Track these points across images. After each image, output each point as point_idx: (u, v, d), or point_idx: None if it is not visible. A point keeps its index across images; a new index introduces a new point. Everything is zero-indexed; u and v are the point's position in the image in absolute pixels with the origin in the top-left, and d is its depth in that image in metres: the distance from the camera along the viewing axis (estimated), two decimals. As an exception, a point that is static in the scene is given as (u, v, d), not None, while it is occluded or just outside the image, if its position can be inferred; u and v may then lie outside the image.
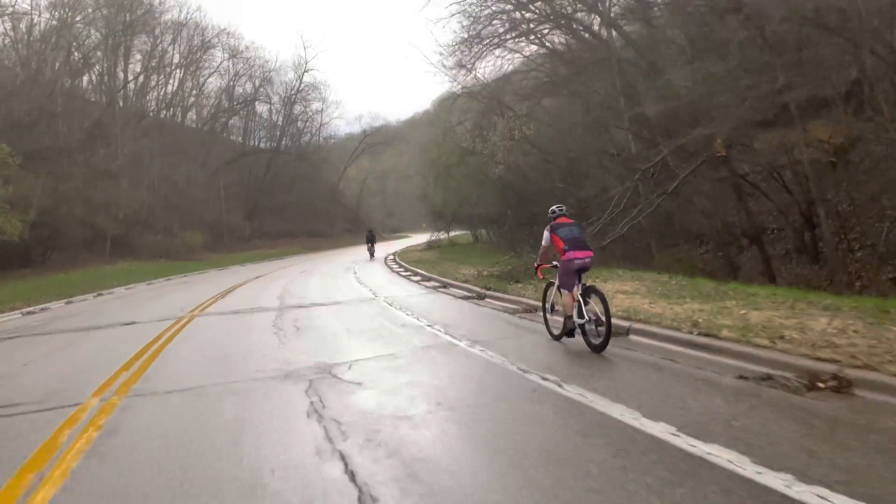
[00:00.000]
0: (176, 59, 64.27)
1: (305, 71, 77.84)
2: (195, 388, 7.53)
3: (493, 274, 18.17)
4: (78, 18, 52.04)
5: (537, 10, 32.97)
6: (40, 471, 5.09)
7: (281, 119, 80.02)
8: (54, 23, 50.07)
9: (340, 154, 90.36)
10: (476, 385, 6.97)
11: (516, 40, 33.91)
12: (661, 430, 5.01)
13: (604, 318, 7.87)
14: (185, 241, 50.39)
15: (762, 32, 16.61)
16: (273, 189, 73.33)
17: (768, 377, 6.24)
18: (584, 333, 8.32)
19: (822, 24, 16.74)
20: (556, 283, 8.99)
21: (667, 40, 27.01)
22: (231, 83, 72.43)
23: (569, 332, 8.58)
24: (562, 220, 8.89)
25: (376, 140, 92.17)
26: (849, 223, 19.85)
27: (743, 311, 8.93)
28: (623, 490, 4.01)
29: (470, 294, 15.92)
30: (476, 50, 33.37)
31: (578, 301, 8.32)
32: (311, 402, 6.53)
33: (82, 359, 10.57)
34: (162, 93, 64.85)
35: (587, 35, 32.90)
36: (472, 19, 32.34)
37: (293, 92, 78.58)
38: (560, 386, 6.52)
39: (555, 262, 9.06)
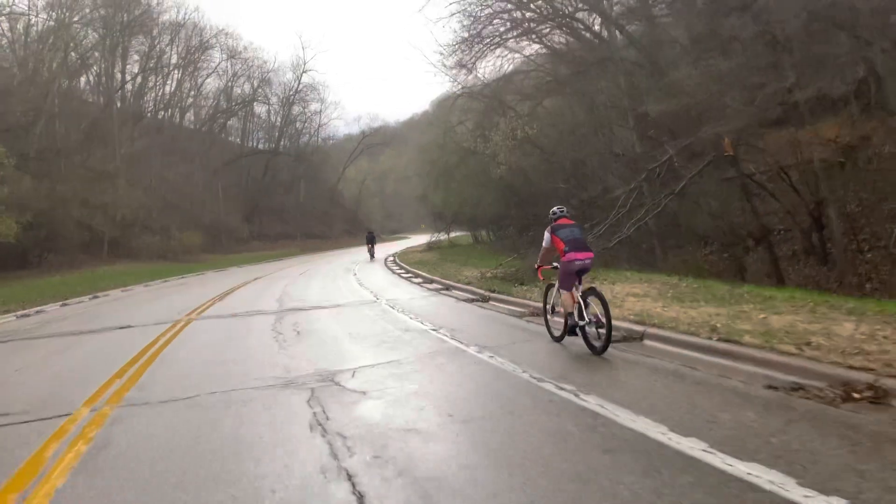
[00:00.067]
0: (174, 60, 64.19)
1: (304, 72, 77.81)
2: (190, 398, 7.15)
3: (497, 276, 17.82)
4: (75, 19, 51.85)
5: (538, 10, 32.69)
6: (23, 491, 4.72)
7: (279, 120, 79.87)
8: (51, 23, 49.90)
9: (339, 155, 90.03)
10: (488, 394, 6.60)
11: (517, 40, 33.62)
12: (692, 446, 4.65)
13: (604, 320, 7.80)
14: (182, 242, 50.09)
15: (771, 29, 16.23)
16: (271, 190, 73.09)
17: (799, 387, 5.88)
18: (584, 335, 8.25)
19: (832, 20, 16.41)
20: (557, 284, 8.95)
21: (671, 40, 26.69)
22: (229, 84, 72.29)
23: (570, 329, 8.52)
24: (562, 221, 8.86)
25: (375, 141, 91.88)
26: (858, 224, 19.54)
27: (762, 316, 8.58)
28: (660, 516, 3.65)
29: (474, 296, 15.55)
30: (477, 49, 33.06)
31: (579, 302, 8.29)
32: (314, 413, 6.16)
33: (74, 365, 10.18)
34: (160, 94, 64.76)
35: (588, 35, 32.61)
36: (472, 19, 32.03)
37: (291, 93, 78.54)
38: (578, 396, 6.15)
39: (555, 264, 9.00)
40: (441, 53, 34.93)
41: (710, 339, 7.69)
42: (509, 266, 18.67)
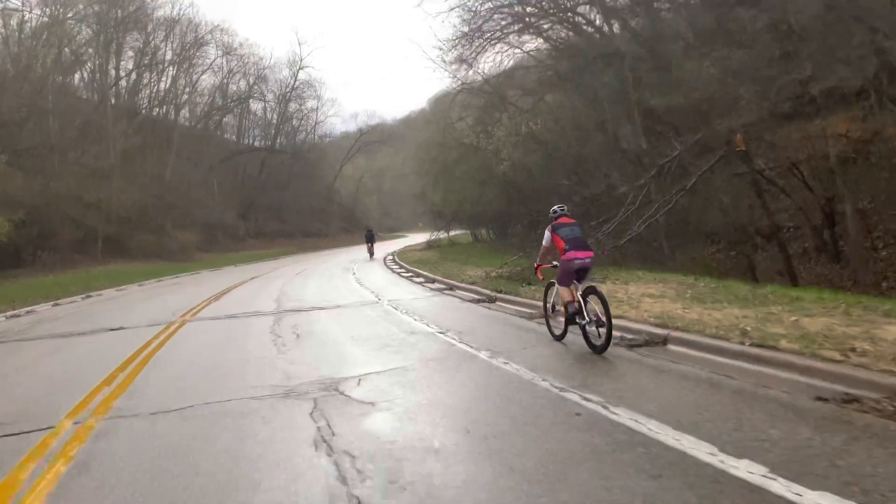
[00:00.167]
0: (168, 56, 63.27)
1: (300, 68, 76.95)
2: (183, 409, 6.59)
3: (503, 275, 17.27)
4: (69, 15, 51.17)
5: (538, 5, 32.23)
6: (-9, 521, 4.17)
7: (276, 117, 79.20)
8: (45, 19, 49.24)
9: (336, 153, 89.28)
10: (508, 406, 6.01)
11: (518, 34, 33.20)
12: (749, 470, 4.10)
13: (604, 319, 7.75)
14: (178, 240, 49.47)
15: (787, 18, 15.70)
16: (268, 188, 72.46)
17: (852, 399, 5.34)
18: (584, 334, 8.22)
19: (849, 10, 15.88)
20: (556, 282, 8.97)
21: (674, 35, 26.20)
22: (225, 80, 71.49)
23: (570, 318, 8.49)
24: (563, 220, 8.85)
25: (372, 139, 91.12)
26: (871, 221, 19.04)
27: (793, 318, 8.05)
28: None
29: (479, 297, 14.98)
30: (477, 44, 32.63)
31: (579, 301, 8.24)
32: (318, 428, 5.61)
33: (61, 370, 9.62)
34: (154, 90, 63.80)
35: (590, 29, 32.16)
36: (472, 13, 31.63)
37: (288, 89, 77.81)
38: (606, 408, 5.60)
39: (555, 263, 8.99)
40: (440, 49, 34.55)
41: (741, 343, 7.15)
42: (514, 265, 18.11)
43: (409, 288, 18.93)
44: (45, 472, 5.04)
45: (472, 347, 8.85)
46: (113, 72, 57.58)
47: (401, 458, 4.75)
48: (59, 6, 49.58)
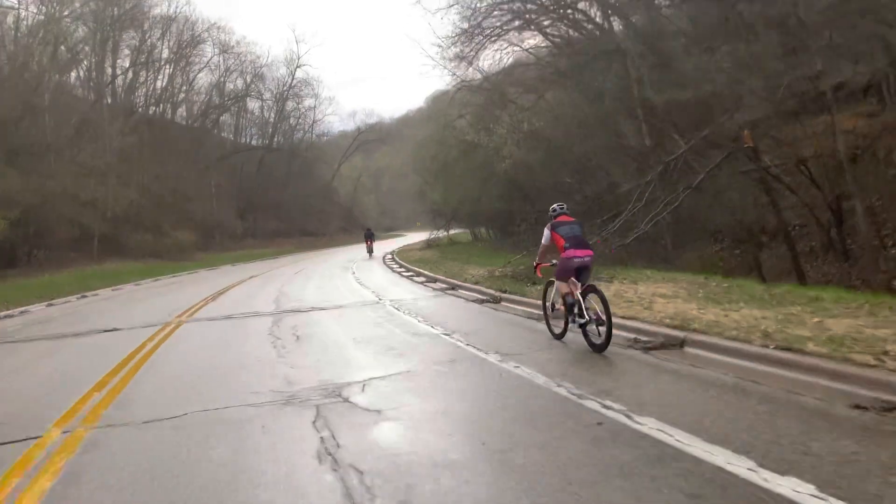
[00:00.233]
0: (165, 55, 62.82)
1: (298, 66, 76.52)
2: (177, 417, 6.22)
3: (506, 274, 16.93)
4: (65, 13, 50.78)
5: (538, 1, 31.92)
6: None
7: (273, 116, 78.66)
8: (41, 17, 48.89)
9: (334, 152, 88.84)
10: (524, 415, 5.65)
11: (519, 31, 32.93)
12: (795, 488, 3.74)
13: (604, 317, 7.72)
14: (175, 240, 49.02)
15: (798, 12, 15.35)
16: (266, 187, 72.08)
17: (893, 407, 4.99)
18: (585, 333, 8.18)
19: (857, 3, 15.54)
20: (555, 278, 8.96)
21: (675, 31, 25.92)
22: (222, 79, 70.94)
23: (569, 308, 8.49)
24: (562, 218, 8.84)
25: (370, 137, 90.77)
26: (879, 218, 18.71)
27: (816, 319, 7.70)
28: None
29: (483, 297, 14.62)
30: (477, 41, 32.41)
31: (578, 300, 8.18)
32: (322, 439, 5.25)
33: (52, 374, 9.24)
34: (151, 88, 63.29)
35: (591, 26, 31.89)
36: (471, 10, 31.38)
37: (285, 88, 77.32)
38: (630, 417, 5.24)
39: (554, 261, 8.93)
40: (440, 46, 34.22)
41: (765, 347, 6.80)
42: (518, 264, 17.76)
43: (410, 288, 18.59)
44: (29, 486, 4.70)
45: (480, 350, 8.50)
46: (109, 70, 57.17)
47: (412, 473, 4.40)
48: (55, 4, 49.25)
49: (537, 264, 9.49)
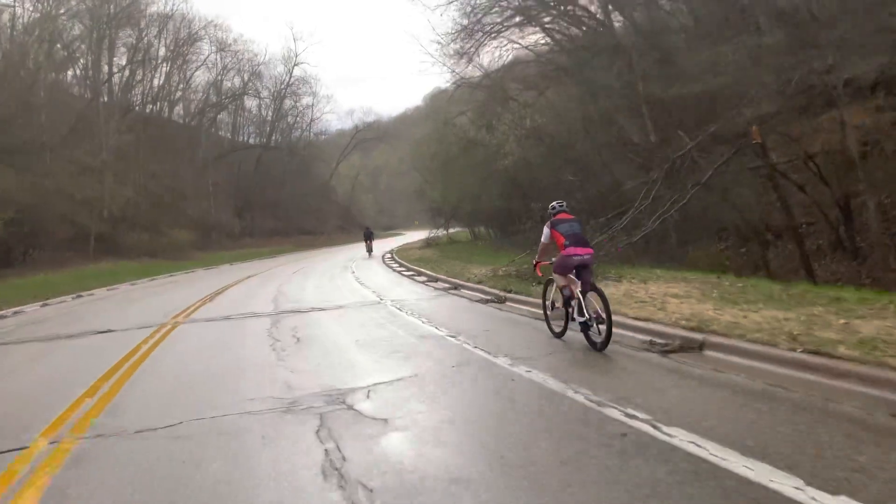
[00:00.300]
0: (162, 53, 62.43)
1: (295, 64, 76.07)
2: (172, 426, 5.85)
3: (510, 273, 16.55)
4: (62, 11, 50.40)
5: (539, -3, 31.65)
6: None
7: (270, 114, 78.26)
8: (37, 15, 48.53)
9: (332, 150, 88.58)
10: (542, 424, 5.29)
11: (520, 28, 32.58)
12: (851, 511, 3.40)
13: (604, 316, 7.65)
14: (172, 239, 48.65)
15: (809, 6, 15.00)
16: (263, 186, 71.65)
17: (941, 416, 4.65)
18: (585, 332, 8.12)
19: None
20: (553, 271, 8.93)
21: (680, 27, 25.62)
22: (219, 77, 70.46)
23: (566, 302, 8.58)
24: (562, 216, 8.83)
25: (368, 136, 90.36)
26: (889, 216, 18.39)
27: (842, 321, 7.34)
28: None
29: (487, 297, 14.25)
30: (477, 38, 32.08)
31: (578, 298, 8.11)
32: (326, 451, 4.89)
33: (42, 379, 8.86)
34: (148, 87, 62.81)
35: (593, 22, 31.60)
36: (472, 6, 31.11)
37: (283, 86, 76.88)
38: (657, 428, 4.88)
39: (553, 259, 8.93)
40: (439, 43, 33.95)
41: (793, 350, 6.45)
42: (522, 263, 17.36)
43: (411, 287, 18.22)
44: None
45: (488, 353, 8.13)
46: (106, 68, 56.72)
47: (426, 491, 4.04)
48: (51, 2, 48.91)
49: (536, 262, 9.57)
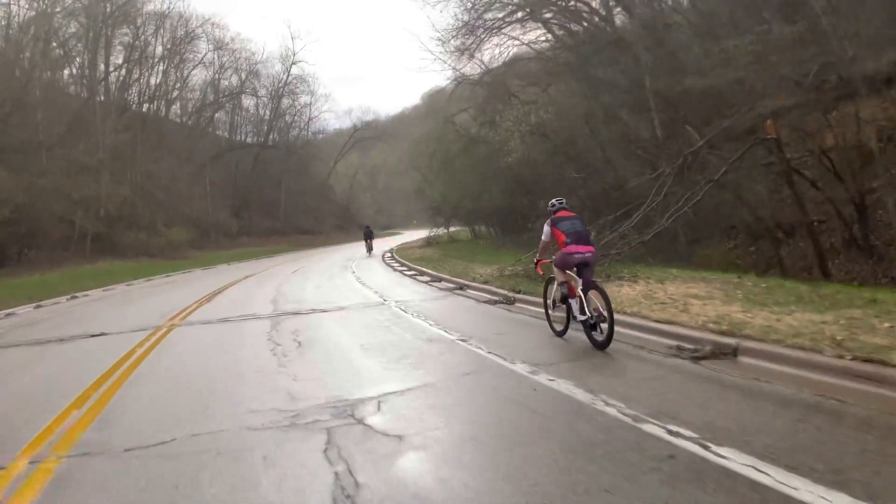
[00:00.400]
0: (159, 51, 61.89)
1: (293, 63, 75.64)
2: (164, 443, 5.32)
3: (517, 273, 16.03)
4: (57, 9, 49.94)
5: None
6: None
7: (268, 113, 77.81)
8: (33, 13, 48.11)
9: (330, 149, 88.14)
10: (575, 444, 4.72)
11: (522, 23, 32.17)
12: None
13: (606, 314, 7.57)
14: (169, 238, 48.19)
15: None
16: (261, 185, 71.26)
17: None
18: (587, 331, 8.00)
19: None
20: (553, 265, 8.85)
21: (685, 21, 25.17)
22: (216, 76, 70.08)
23: (563, 299, 8.58)
24: (562, 213, 8.76)
25: (366, 135, 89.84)
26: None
27: (887, 325, 6.83)
28: None
29: (495, 297, 13.70)
30: (479, 33, 31.72)
31: (580, 297, 8.01)
32: (336, 474, 4.36)
33: (28, 387, 8.30)
34: (144, 86, 62.23)
35: (596, 18, 31.22)
36: (472, 2, 30.76)
37: (281, 85, 76.47)
38: (706, 448, 4.34)
39: (554, 257, 8.81)
40: (440, 40, 33.43)
41: (840, 357, 5.92)
42: (529, 262, 16.83)
43: (415, 288, 17.70)
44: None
45: (504, 359, 7.60)
46: (102, 66, 56.17)
47: (454, 527, 3.51)
48: (47, 0, 48.49)
49: (538, 260, 9.51)
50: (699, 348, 7.11)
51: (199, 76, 68.97)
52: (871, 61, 14.75)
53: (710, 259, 19.91)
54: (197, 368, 8.63)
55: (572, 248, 8.19)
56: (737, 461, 4.08)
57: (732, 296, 9.73)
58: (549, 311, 9.41)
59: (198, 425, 5.77)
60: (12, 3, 47.17)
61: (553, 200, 9.05)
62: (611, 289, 11.54)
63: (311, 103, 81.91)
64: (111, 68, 57.17)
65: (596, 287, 7.94)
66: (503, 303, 12.96)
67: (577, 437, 4.84)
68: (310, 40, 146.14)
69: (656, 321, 8.49)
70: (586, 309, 7.87)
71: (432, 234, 47.97)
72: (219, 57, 69.25)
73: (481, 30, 31.52)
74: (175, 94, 66.67)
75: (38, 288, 24.90)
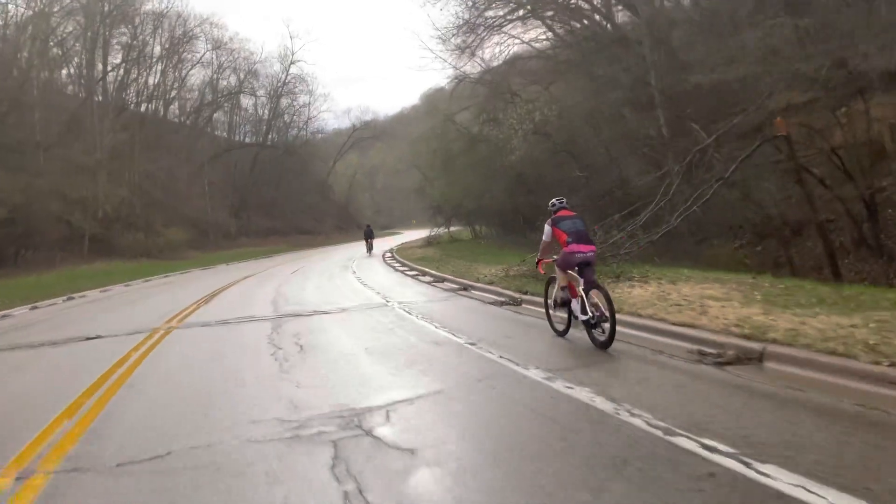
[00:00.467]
0: (157, 51, 61.51)
1: (292, 63, 75.29)
2: (159, 458, 4.97)
3: (523, 273, 15.68)
4: (55, 9, 49.61)
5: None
6: None
7: (267, 113, 77.43)
8: (30, 13, 47.86)
9: (329, 149, 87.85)
10: (603, 460, 4.35)
11: (523, 21, 31.94)
12: None
13: (607, 314, 7.53)
14: (167, 239, 47.93)
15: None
16: (260, 185, 70.98)
17: None
18: (588, 330, 7.99)
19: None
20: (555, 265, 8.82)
21: (689, 18, 24.89)
22: (215, 76, 69.70)
23: (563, 302, 8.63)
24: (563, 212, 8.72)
25: (365, 135, 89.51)
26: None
27: (921, 328, 6.48)
28: None
29: (501, 298, 13.33)
30: (480, 32, 31.57)
31: (581, 296, 7.97)
32: (346, 495, 4.01)
33: (17, 395, 7.95)
34: (143, 85, 61.83)
35: (597, 16, 31.00)
36: (472, 0, 30.58)
37: (279, 85, 76.10)
38: (748, 466, 3.98)
39: (555, 257, 8.82)
40: (441, 38, 33.22)
41: (877, 363, 5.57)
42: (533, 262, 16.56)
43: (417, 288, 17.35)
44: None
45: (517, 364, 7.25)
46: (100, 66, 55.81)
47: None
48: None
49: (539, 260, 9.39)
50: (722, 353, 6.76)
51: (197, 76, 68.72)
52: (884, 58, 14.37)
53: (717, 258, 19.62)
54: (195, 374, 8.28)
55: (574, 247, 8.15)
56: (784, 481, 3.73)
57: (751, 297, 9.37)
58: (550, 311, 9.37)
59: (194, 437, 5.42)
60: (10, 2, 46.98)
61: (553, 200, 9.00)
62: (622, 290, 11.24)
63: (309, 103, 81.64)
64: (109, 68, 56.84)
65: (597, 286, 7.90)
66: (510, 304, 12.62)
67: (603, 452, 4.48)
68: (309, 40, 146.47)
69: (674, 324, 8.15)
70: (587, 308, 7.82)
71: (433, 233, 47.60)
72: (217, 57, 69.01)
73: (482, 28, 31.37)
74: (173, 93, 66.37)
75: (34, 289, 24.65)
